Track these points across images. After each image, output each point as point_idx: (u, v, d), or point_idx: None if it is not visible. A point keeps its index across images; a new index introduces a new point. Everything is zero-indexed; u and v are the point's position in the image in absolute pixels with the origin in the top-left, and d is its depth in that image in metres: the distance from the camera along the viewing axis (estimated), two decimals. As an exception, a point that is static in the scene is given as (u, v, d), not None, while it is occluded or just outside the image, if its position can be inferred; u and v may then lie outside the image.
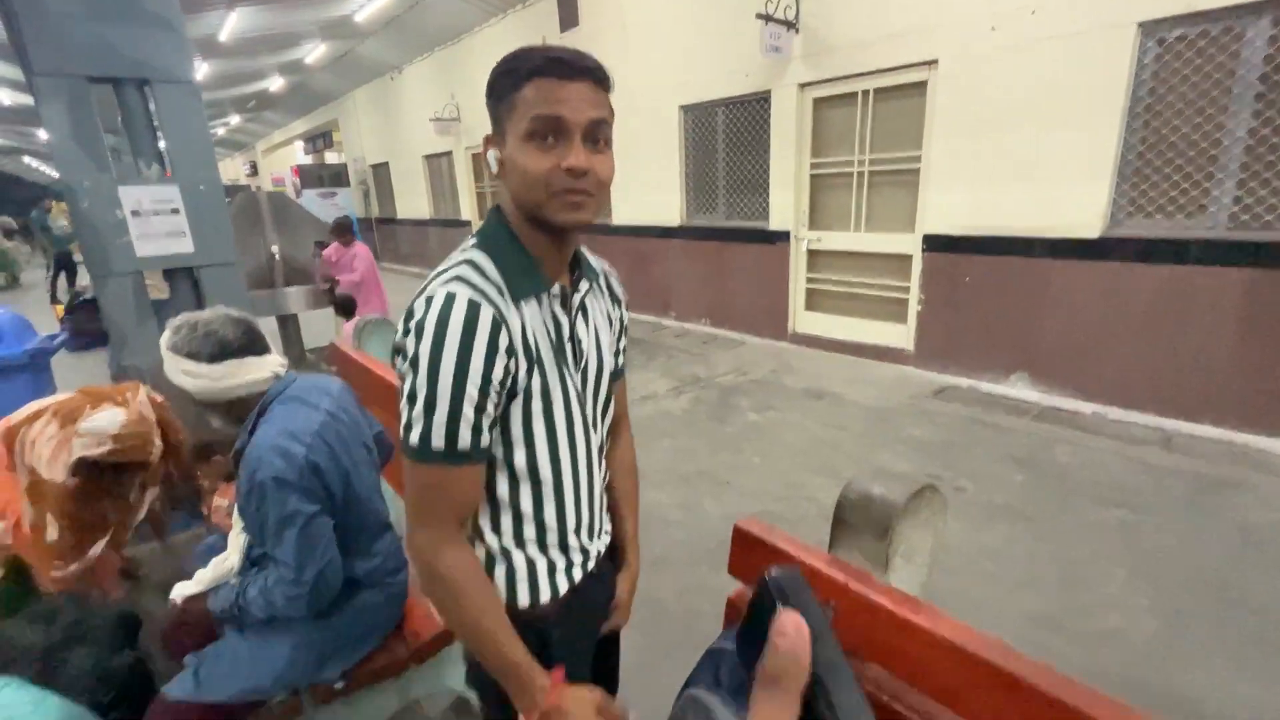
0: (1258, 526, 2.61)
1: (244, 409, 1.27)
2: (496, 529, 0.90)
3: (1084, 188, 3.76)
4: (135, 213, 2.46)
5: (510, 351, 0.78)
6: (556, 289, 0.86)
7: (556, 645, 0.94)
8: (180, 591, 1.36)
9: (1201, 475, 3.05)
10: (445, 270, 0.80)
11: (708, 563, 2.49)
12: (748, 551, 1.00)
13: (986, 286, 4.33)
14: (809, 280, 5.52)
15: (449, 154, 10.32)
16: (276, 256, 4.66)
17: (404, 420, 0.78)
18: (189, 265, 2.59)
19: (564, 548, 0.94)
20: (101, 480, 1.57)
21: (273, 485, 1.15)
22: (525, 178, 0.78)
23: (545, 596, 0.92)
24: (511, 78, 0.77)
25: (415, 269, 12.08)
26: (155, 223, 2.52)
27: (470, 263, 0.81)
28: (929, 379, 4.61)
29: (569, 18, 7.09)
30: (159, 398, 1.75)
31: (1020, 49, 3.86)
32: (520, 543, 0.91)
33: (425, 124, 9.96)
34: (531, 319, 0.83)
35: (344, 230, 5.12)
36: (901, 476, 0.92)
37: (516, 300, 0.81)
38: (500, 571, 0.90)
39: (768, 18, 4.81)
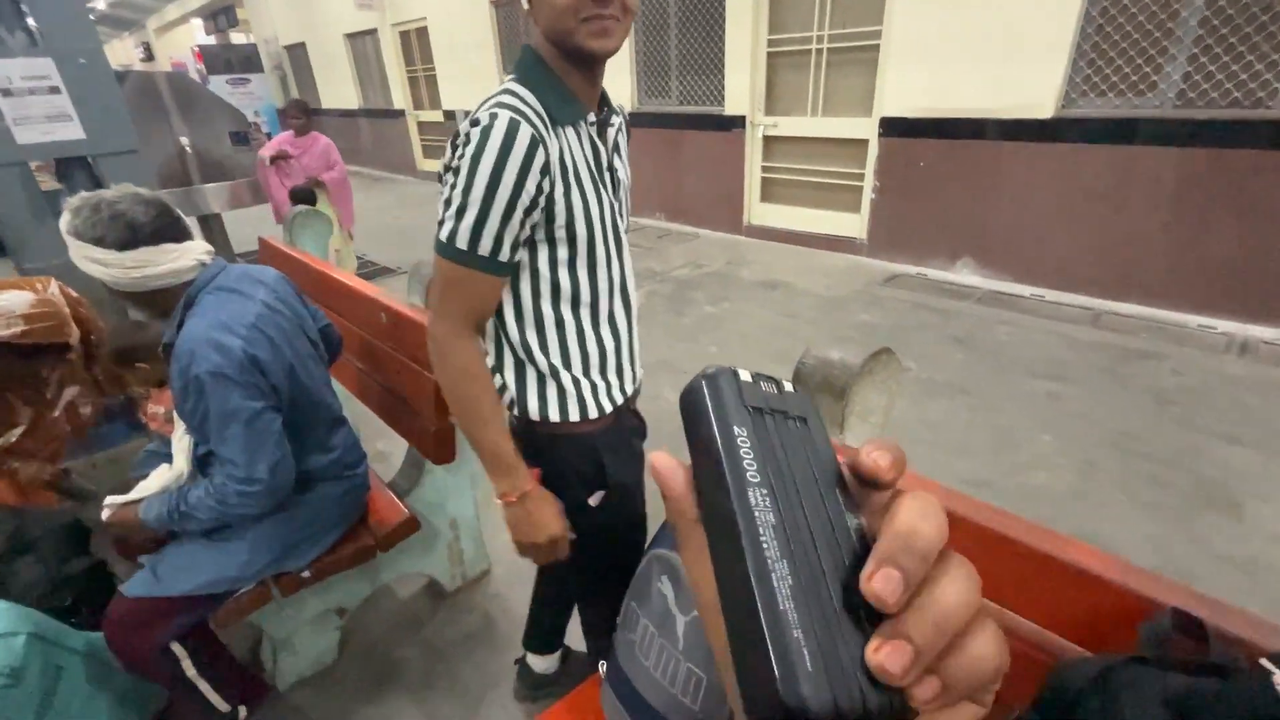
0: (1167, 390, 2.85)
1: (167, 301, 1.17)
2: (545, 349, 0.97)
3: (1042, 65, 3.68)
4: (5, 92, 2.14)
5: (545, 171, 0.83)
6: (593, 118, 0.92)
7: (608, 465, 1.05)
8: (113, 501, 1.25)
9: (1123, 348, 3.27)
10: (488, 100, 0.85)
11: (669, 444, 2.56)
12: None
13: (939, 172, 4.31)
14: (764, 170, 5.38)
15: (374, 32, 9.31)
16: (188, 149, 4.21)
17: (439, 219, 0.87)
18: (82, 154, 2.31)
19: (604, 370, 1.03)
20: (12, 369, 1.46)
21: (210, 380, 1.08)
22: (555, 8, 0.81)
23: (593, 413, 1.02)
24: None
25: (350, 167, 11.18)
26: (33, 104, 2.20)
27: (510, 92, 0.85)
28: (880, 268, 4.68)
29: None
30: (74, 293, 1.61)
31: (989, -94, 3.60)
32: (567, 363, 0.99)
33: (343, -4, 8.88)
34: (572, 145, 0.88)
35: (301, 111, 4.39)
36: (858, 342, 0.93)
37: (556, 126, 0.86)
38: (552, 390, 0.99)
39: None
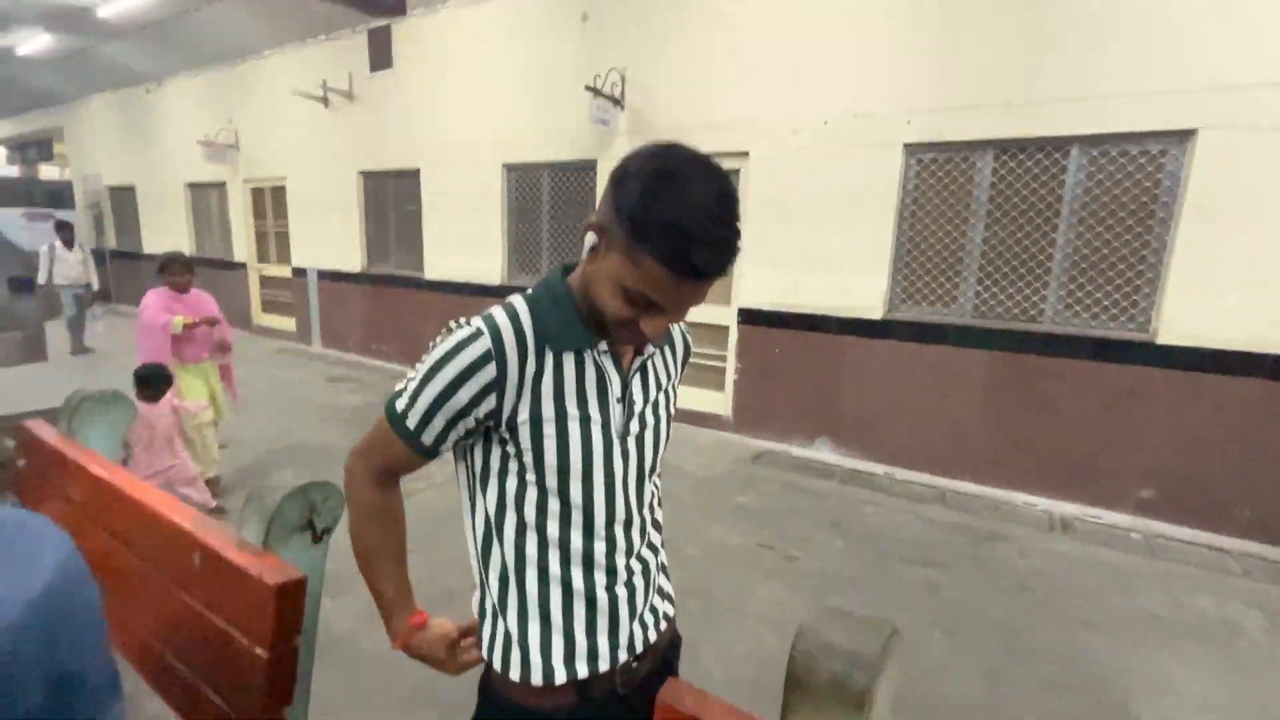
0: (1022, 573, 3.03)
1: None
2: (504, 582, 0.87)
3: (868, 277, 4.31)
4: None
5: (493, 388, 0.80)
6: (604, 345, 0.85)
7: None
8: None
9: (973, 529, 3.51)
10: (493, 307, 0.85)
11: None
12: (678, 734, 0.77)
13: (793, 358, 4.71)
14: (633, 346, 5.56)
15: (222, 185, 8.85)
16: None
17: None
18: None
19: (567, 625, 0.86)
20: None
21: None
22: (602, 304, 0.78)
23: (536, 677, 0.85)
24: (641, 227, 0.72)
25: (165, 315, 9.92)
26: None
27: (508, 306, 0.83)
28: (747, 444, 4.83)
29: (380, 58, 6.61)
30: None
31: (815, 153, 4.39)
32: (523, 608, 0.87)
33: (191, 146, 8.47)
34: (565, 369, 0.83)
35: (186, 268, 3.33)
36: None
37: (546, 349, 0.82)
38: (499, 628, 0.88)
39: (595, 91, 4.91)
